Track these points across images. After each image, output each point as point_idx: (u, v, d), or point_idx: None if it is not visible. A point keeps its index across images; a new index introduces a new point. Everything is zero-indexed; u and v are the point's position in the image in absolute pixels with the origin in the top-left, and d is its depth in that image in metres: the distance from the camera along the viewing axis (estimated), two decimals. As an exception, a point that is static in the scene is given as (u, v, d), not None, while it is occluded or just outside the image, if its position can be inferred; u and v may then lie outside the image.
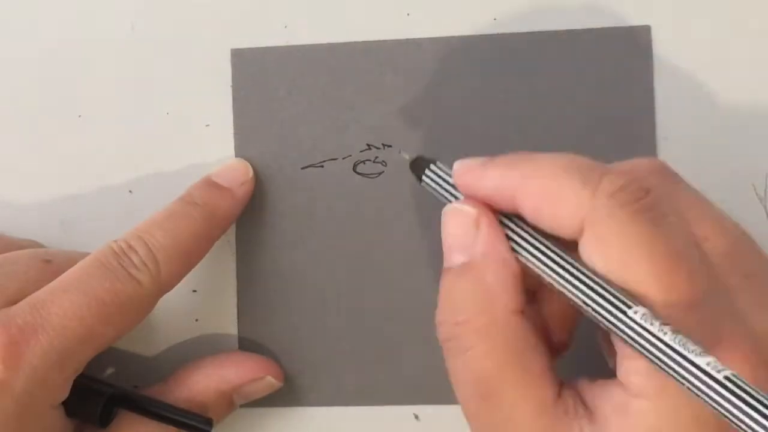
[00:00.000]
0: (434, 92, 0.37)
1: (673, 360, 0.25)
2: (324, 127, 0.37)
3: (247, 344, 0.37)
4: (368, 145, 0.37)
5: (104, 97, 0.38)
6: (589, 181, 0.27)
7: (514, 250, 0.28)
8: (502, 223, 0.29)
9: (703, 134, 0.36)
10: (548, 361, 0.28)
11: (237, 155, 0.37)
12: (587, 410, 0.27)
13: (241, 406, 0.36)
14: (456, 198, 0.30)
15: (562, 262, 0.27)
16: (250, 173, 0.36)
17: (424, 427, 0.36)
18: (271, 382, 0.35)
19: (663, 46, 0.36)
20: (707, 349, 0.25)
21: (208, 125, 0.37)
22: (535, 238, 0.28)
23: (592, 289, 0.27)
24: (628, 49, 0.36)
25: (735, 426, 0.24)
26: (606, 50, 0.36)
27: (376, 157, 0.37)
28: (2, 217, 0.38)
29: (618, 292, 0.26)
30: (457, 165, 0.29)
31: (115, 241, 0.32)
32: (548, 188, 0.27)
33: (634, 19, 0.36)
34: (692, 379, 0.24)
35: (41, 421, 0.30)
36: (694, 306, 0.26)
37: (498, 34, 0.37)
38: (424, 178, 0.31)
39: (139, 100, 0.38)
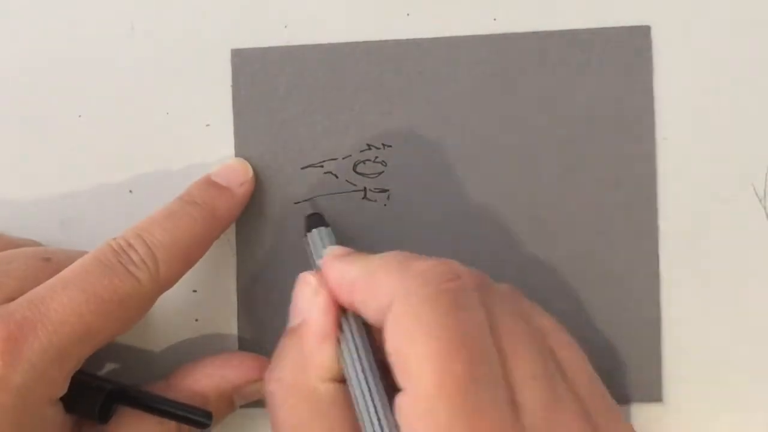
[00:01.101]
0: (434, 92, 0.37)
1: None
2: (324, 127, 0.37)
3: (247, 344, 0.37)
4: (368, 145, 0.37)
5: (104, 97, 0.38)
6: (401, 267, 0.28)
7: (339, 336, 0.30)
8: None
9: (703, 134, 0.36)
10: (352, 426, 0.29)
11: (237, 155, 0.37)
12: None
13: (241, 406, 0.36)
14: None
15: (358, 373, 0.29)
16: (250, 173, 0.36)
17: (424, 427, 0.36)
18: (271, 383, 0.36)
19: (663, 46, 0.36)
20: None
21: (208, 125, 0.37)
22: (352, 339, 0.30)
23: (365, 405, 0.28)
24: (628, 49, 0.36)
25: None
26: (606, 50, 0.36)
27: (376, 157, 0.37)
28: (2, 217, 0.38)
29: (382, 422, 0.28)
30: (328, 249, 0.32)
31: (114, 239, 0.32)
32: (369, 281, 0.29)
33: (634, 19, 0.36)
34: None
35: (40, 416, 0.30)
36: (463, 392, 0.26)
37: (498, 34, 0.37)
38: (308, 234, 0.34)
39: (139, 100, 0.38)
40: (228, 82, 0.37)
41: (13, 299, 0.30)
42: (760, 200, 0.36)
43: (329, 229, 0.34)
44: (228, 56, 0.37)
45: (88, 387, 0.32)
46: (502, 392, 0.27)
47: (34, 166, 0.38)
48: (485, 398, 0.26)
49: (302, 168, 0.37)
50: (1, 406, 0.29)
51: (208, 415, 0.33)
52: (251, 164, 0.37)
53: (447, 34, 0.37)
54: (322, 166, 0.37)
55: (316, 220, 0.34)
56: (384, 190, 0.37)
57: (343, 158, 0.37)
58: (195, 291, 0.37)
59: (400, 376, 0.27)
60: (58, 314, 0.30)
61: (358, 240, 0.37)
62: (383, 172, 0.37)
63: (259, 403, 0.36)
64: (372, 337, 0.30)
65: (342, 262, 0.31)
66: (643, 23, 0.36)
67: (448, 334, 0.27)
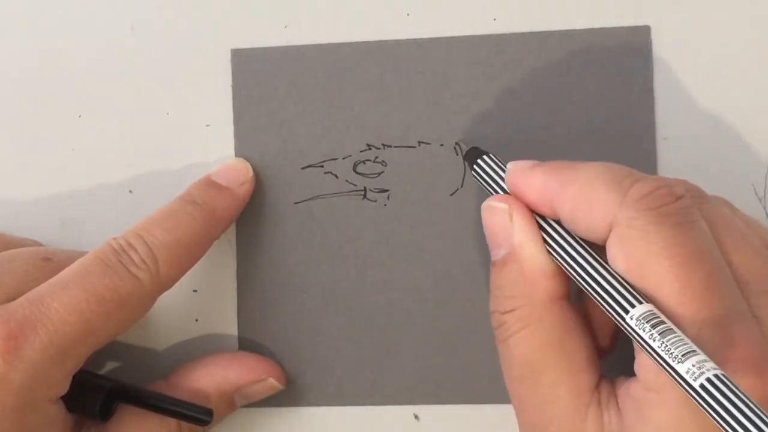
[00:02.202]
0: (434, 92, 0.37)
1: (663, 363, 0.26)
2: (324, 127, 0.37)
3: (247, 344, 0.37)
4: (368, 145, 0.37)
5: (104, 97, 0.38)
6: (620, 187, 0.28)
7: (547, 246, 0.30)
8: (537, 222, 0.30)
9: (703, 134, 0.36)
10: (590, 353, 0.30)
11: (237, 155, 0.37)
12: (617, 404, 0.29)
13: (242, 405, 0.36)
14: (502, 191, 0.32)
15: (581, 261, 0.29)
16: (250, 173, 0.36)
17: (424, 427, 0.36)
18: (273, 384, 0.35)
19: (663, 46, 0.36)
20: (720, 348, 0.26)
21: (208, 125, 0.37)
22: (563, 237, 0.30)
23: (602, 287, 0.28)
24: (628, 49, 0.36)
25: (718, 426, 0.25)
26: (606, 50, 0.36)
27: (376, 157, 0.37)
28: (2, 216, 0.38)
29: (627, 290, 0.27)
30: (511, 164, 0.32)
31: (115, 239, 0.32)
32: (582, 194, 0.29)
33: (634, 19, 0.36)
34: (678, 381, 0.25)
35: (41, 415, 0.30)
36: (708, 306, 0.26)
37: (498, 34, 0.37)
38: (475, 167, 0.33)
39: (139, 100, 0.38)
40: (228, 82, 0.37)
41: (13, 299, 0.31)
42: (760, 200, 0.36)
43: (491, 154, 0.33)
44: (228, 56, 0.37)
45: (89, 386, 0.32)
46: (743, 305, 0.27)
47: (34, 166, 0.38)
48: (731, 309, 0.27)
49: (302, 168, 0.37)
50: (1, 405, 0.29)
51: (209, 412, 0.33)
52: (251, 164, 0.37)
53: (447, 34, 0.37)
54: (322, 166, 0.37)
55: (475, 152, 0.34)
56: (384, 190, 0.37)
57: (343, 158, 0.37)
58: (195, 291, 0.37)
59: (640, 294, 0.27)
60: (59, 313, 0.30)
61: (358, 240, 0.37)
62: (383, 172, 0.37)
63: (260, 402, 0.36)
64: None
65: (541, 173, 0.30)
66: (643, 23, 0.36)
67: (682, 251, 0.27)
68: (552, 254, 0.30)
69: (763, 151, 0.36)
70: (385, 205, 0.37)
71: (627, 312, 0.27)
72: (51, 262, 0.33)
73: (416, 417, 0.36)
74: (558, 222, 0.30)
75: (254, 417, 0.37)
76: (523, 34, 0.36)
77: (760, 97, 0.36)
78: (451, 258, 0.36)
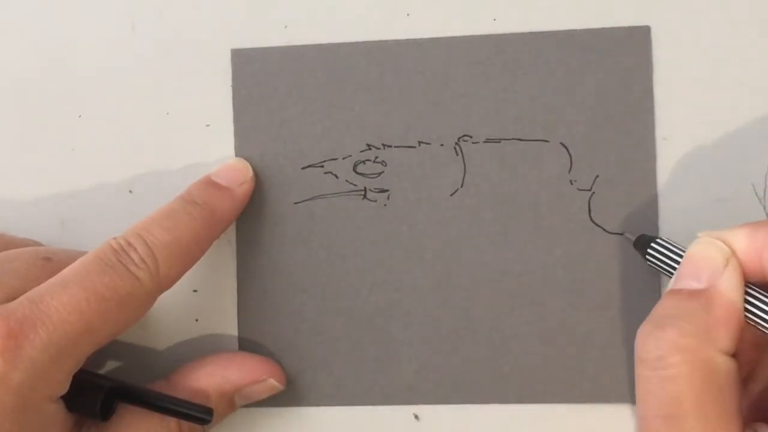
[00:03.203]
0: (434, 92, 0.37)
1: None
2: (324, 127, 0.37)
3: (247, 344, 0.37)
4: (368, 145, 0.37)
5: (104, 97, 0.38)
6: None
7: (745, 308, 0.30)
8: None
9: (703, 134, 0.36)
10: (740, 408, 0.29)
11: (237, 155, 0.37)
12: None
13: (242, 406, 0.36)
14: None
15: None
16: (250, 173, 0.36)
17: (424, 427, 0.36)
18: (273, 384, 0.35)
19: (662, 47, 0.36)
20: None
21: (208, 125, 0.38)
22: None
23: None
24: (628, 49, 0.36)
25: None
26: (606, 50, 0.36)
27: (376, 157, 0.37)
28: (2, 216, 0.38)
29: None
30: (701, 233, 0.31)
31: (115, 239, 0.32)
32: None
33: (634, 19, 0.36)
34: None
35: (41, 414, 0.30)
36: None
37: (498, 34, 0.37)
38: (648, 255, 0.33)
39: (139, 100, 0.38)
40: (228, 82, 0.37)
41: (14, 299, 0.30)
42: (760, 200, 0.36)
43: (662, 238, 0.33)
44: (228, 56, 0.37)
45: (89, 385, 0.32)
46: None
47: (34, 166, 0.38)
48: None
49: (302, 168, 0.37)
50: (1, 404, 0.29)
51: (209, 412, 0.33)
52: (251, 164, 0.37)
53: (447, 34, 0.37)
54: (322, 166, 0.37)
55: (645, 239, 0.34)
56: (384, 190, 0.37)
57: (343, 158, 0.37)
58: (195, 291, 0.37)
59: None
60: (59, 313, 0.30)
61: (358, 240, 0.37)
62: (383, 172, 0.37)
63: (260, 402, 0.36)
64: None
65: (745, 228, 0.30)
66: (643, 23, 0.36)
67: None
68: (750, 310, 0.30)
69: (763, 151, 0.36)
70: (385, 205, 0.37)
71: None
72: (51, 262, 0.33)
73: (416, 417, 0.36)
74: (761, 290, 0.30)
75: (254, 417, 0.37)
76: (523, 34, 0.36)
77: (760, 97, 0.36)
78: (451, 258, 0.36)
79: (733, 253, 0.30)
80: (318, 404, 0.37)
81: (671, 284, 0.31)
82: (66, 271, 0.31)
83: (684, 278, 0.31)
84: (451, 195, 0.36)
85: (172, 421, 0.33)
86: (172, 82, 0.38)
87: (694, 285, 0.30)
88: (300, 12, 0.37)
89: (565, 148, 0.36)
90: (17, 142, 0.38)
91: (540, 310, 0.36)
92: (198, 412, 0.33)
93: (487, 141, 0.36)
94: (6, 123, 0.38)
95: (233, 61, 0.37)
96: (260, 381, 0.35)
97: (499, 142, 0.36)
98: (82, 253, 0.33)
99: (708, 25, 0.36)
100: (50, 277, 0.31)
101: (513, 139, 0.36)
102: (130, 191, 0.38)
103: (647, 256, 0.33)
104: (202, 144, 0.37)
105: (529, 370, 0.36)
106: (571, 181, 0.36)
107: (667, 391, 0.29)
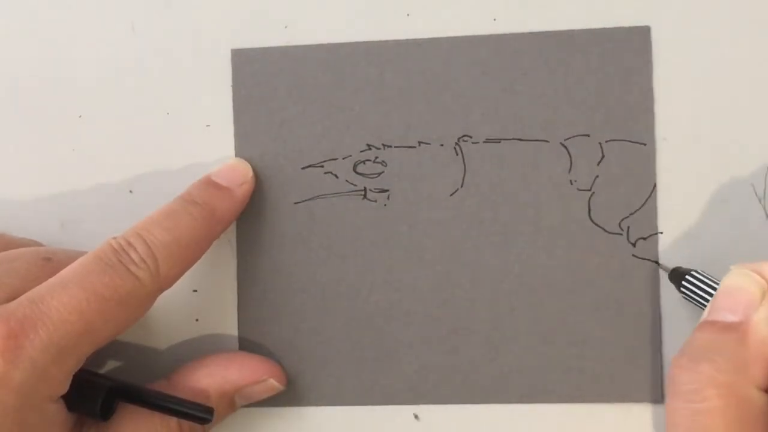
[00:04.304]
0: (434, 92, 0.37)
1: None
2: (324, 127, 0.37)
3: (247, 344, 0.37)
4: (368, 145, 0.37)
5: (104, 97, 0.38)
6: None
7: None
8: None
9: (703, 134, 0.36)
10: None
11: (237, 155, 0.37)
12: None
13: (242, 406, 0.36)
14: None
15: None
16: (250, 173, 0.36)
17: (424, 427, 0.36)
18: (273, 384, 0.35)
19: (662, 47, 0.36)
20: None
21: (208, 125, 0.38)
22: None
23: None
24: (628, 50, 0.36)
25: None
26: (605, 50, 0.36)
27: (376, 157, 0.37)
28: (2, 217, 0.38)
29: None
30: (734, 266, 0.31)
31: (115, 238, 0.32)
32: None
33: (634, 20, 0.36)
34: None
35: (41, 414, 0.30)
36: None
37: (498, 34, 0.37)
38: (682, 288, 0.33)
39: (139, 100, 0.38)
40: (228, 82, 0.37)
41: (14, 299, 0.30)
42: (760, 200, 0.36)
43: (696, 270, 0.34)
44: (228, 56, 0.37)
45: (89, 385, 0.32)
46: None
47: (34, 166, 0.38)
48: None
49: (302, 168, 0.37)
50: (2, 404, 0.29)
51: (209, 411, 0.33)
52: (251, 164, 0.37)
53: (447, 34, 0.37)
54: (322, 166, 0.37)
55: (680, 272, 0.34)
56: (384, 190, 0.37)
57: (343, 158, 0.37)
58: (195, 291, 0.37)
59: None
60: (59, 312, 0.30)
61: (358, 240, 0.37)
62: (383, 172, 0.37)
63: (260, 402, 0.36)
64: None
65: None
66: (643, 23, 0.36)
67: None
68: None
69: (763, 151, 0.36)
70: (385, 205, 0.37)
71: None
72: (51, 262, 0.33)
73: (416, 417, 0.36)
74: None
75: (254, 417, 0.37)
76: (523, 34, 0.36)
77: (759, 97, 0.36)
78: (451, 258, 0.36)
79: None
80: (318, 404, 0.37)
81: (705, 315, 0.31)
82: (66, 271, 0.31)
83: (719, 310, 0.31)
84: (451, 195, 0.36)
85: (172, 421, 0.33)
86: (172, 82, 0.38)
87: (730, 318, 0.30)
88: (300, 12, 0.37)
89: (565, 148, 0.36)
90: (17, 142, 0.38)
91: (540, 310, 0.36)
92: (198, 412, 0.33)
93: (487, 141, 0.36)
94: (6, 123, 0.38)
95: (233, 61, 0.37)
96: (260, 381, 0.35)
97: (499, 142, 0.36)
98: (82, 253, 0.33)
99: (708, 25, 0.36)
100: (50, 277, 0.31)
101: (513, 139, 0.36)
102: (130, 191, 0.38)
103: (682, 288, 0.33)
104: (202, 144, 0.37)
105: (529, 370, 0.36)
106: (571, 181, 0.36)
107: (700, 424, 0.29)
